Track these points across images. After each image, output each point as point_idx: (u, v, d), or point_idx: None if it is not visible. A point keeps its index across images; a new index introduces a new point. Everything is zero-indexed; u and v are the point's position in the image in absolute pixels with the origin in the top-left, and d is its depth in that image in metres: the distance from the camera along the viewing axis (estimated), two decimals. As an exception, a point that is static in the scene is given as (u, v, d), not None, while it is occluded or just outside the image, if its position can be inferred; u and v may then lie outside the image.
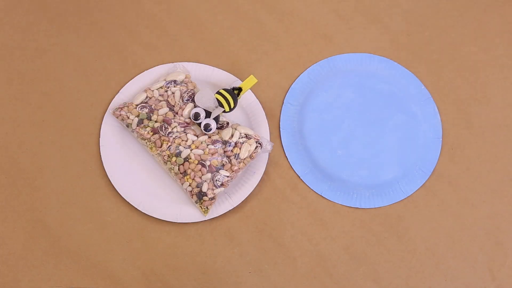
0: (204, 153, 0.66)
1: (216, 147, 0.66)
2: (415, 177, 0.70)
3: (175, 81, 0.70)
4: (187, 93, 0.68)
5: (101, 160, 0.70)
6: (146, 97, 0.69)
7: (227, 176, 0.66)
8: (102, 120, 0.72)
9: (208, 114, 0.67)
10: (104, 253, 0.67)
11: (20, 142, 0.72)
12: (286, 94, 0.74)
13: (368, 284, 0.66)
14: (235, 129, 0.68)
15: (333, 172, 0.70)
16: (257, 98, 0.73)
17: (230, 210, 0.69)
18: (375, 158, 0.70)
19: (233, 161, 0.66)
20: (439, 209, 0.70)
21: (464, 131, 0.73)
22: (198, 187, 0.65)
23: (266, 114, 0.73)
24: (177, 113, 0.68)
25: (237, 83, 0.70)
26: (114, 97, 0.73)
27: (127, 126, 0.68)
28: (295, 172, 0.71)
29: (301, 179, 0.70)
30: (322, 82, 0.74)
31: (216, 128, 0.67)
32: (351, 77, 0.74)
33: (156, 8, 0.79)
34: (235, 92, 0.68)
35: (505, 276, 0.67)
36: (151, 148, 0.67)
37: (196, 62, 0.75)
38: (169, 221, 0.68)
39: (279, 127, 0.73)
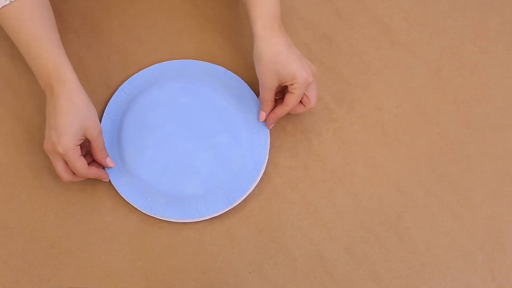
0: None
1: None
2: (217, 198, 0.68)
3: None
4: None
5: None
6: None
7: None
8: (101, 120, 0.72)
9: None
10: (104, 253, 0.67)
11: (20, 142, 0.72)
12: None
13: (368, 284, 0.66)
14: None
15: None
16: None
17: (230, 210, 0.69)
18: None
19: None
20: (439, 209, 0.70)
21: (464, 131, 0.73)
22: None
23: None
24: None
25: None
26: (112, 97, 0.73)
27: None
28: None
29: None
30: (159, 82, 0.73)
31: None
32: (187, 82, 0.72)
33: (156, 8, 0.79)
34: None
35: (505, 276, 0.67)
36: None
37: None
38: (169, 221, 0.68)
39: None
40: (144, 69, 0.74)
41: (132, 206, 0.69)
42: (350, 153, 0.72)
